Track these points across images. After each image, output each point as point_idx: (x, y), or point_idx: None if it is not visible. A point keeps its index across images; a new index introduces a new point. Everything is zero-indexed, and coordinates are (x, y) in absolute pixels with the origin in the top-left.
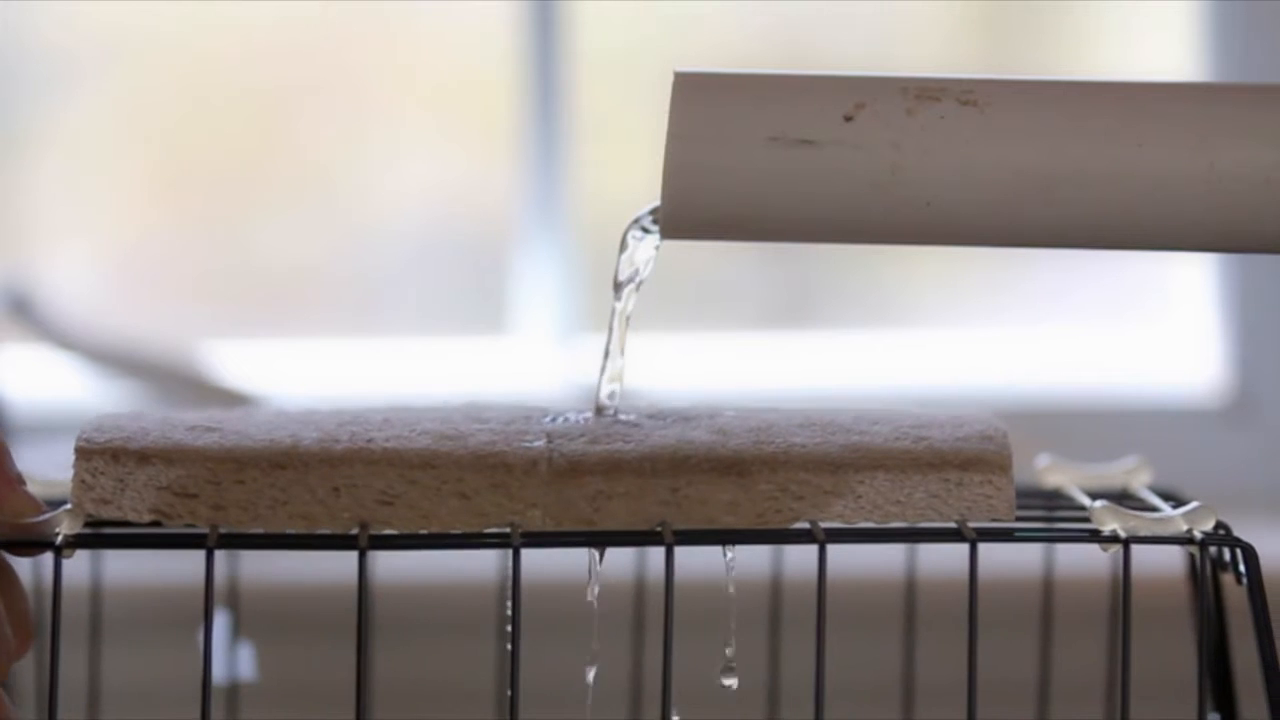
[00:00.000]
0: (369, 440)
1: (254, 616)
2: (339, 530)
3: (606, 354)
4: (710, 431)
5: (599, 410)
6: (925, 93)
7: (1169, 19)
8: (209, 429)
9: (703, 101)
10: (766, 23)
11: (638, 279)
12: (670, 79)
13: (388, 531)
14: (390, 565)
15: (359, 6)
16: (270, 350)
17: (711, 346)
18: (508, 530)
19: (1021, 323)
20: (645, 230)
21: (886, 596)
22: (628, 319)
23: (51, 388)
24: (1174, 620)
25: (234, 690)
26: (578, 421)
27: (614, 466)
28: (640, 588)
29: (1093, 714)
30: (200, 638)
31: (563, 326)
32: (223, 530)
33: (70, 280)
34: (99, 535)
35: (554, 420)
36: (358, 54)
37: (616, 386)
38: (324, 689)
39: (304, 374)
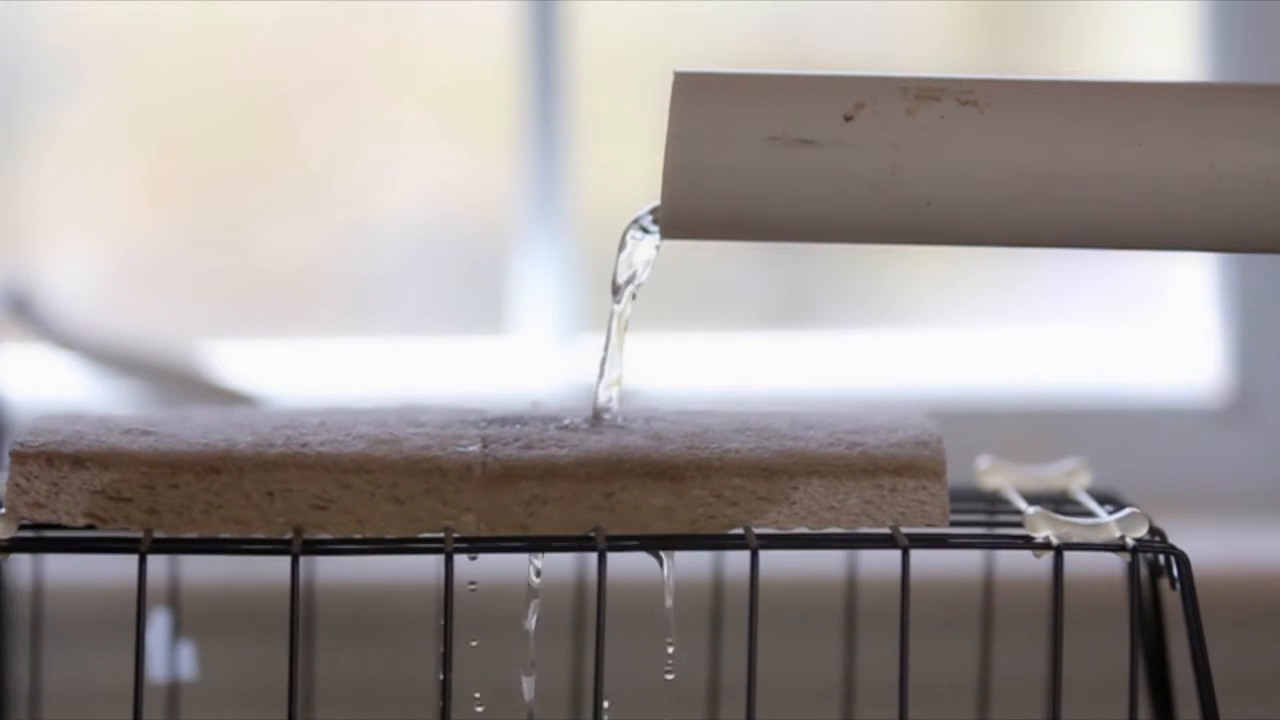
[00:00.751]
0: (303, 444)
1: (195, 616)
2: (273, 535)
3: (604, 360)
4: (645, 436)
5: (596, 416)
6: (925, 93)
7: (1169, 19)
8: (145, 432)
9: (703, 101)
10: (766, 23)
11: (637, 280)
12: (670, 79)
13: (322, 536)
14: (332, 565)
15: (359, 7)
16: (270, 350)
17: (711, 346)
18: (441, 535)
19: (1021, 323)
20: (645, 230)
21: (827, 598)
22: (626, 323)
23: (51, 388)
24: (1116, 622)
25: (174, 690)
26: (516, 424)
27: (548, 471)
28: (580, 591)
29: (1033, 715)
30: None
31: (563, 326)
32: (157, 534)
33: (70, 280)
34: (31, 540)
35: (491, 423)
36: (357, 54)
37: (615, 391)
38: (266, 689)
39: (304, 374)
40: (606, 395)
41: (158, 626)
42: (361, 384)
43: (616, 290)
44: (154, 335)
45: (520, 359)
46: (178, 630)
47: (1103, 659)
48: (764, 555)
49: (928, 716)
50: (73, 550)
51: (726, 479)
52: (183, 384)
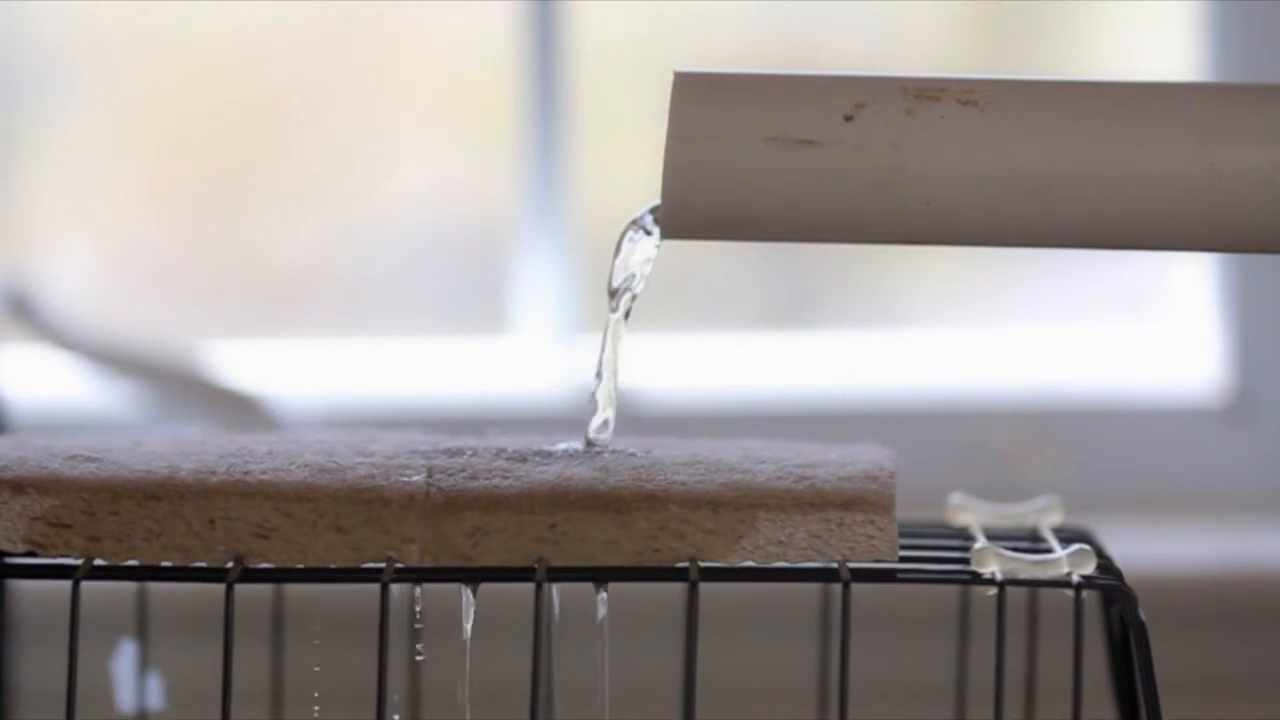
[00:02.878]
0: (246, 472)
1: (164, 644)
2: (215, 563)
3: (599, 375)
4: (592, 468)
5: (589, 444)
6: (925, 93)
7: (1169, 19)
8: (89, 458)
9: (703, 101)
10: (766, 23)
11: (635, 285)
12: (670, 79)
13: (264, 565)
14: (302, 590)
15: (359, 7)
16: (270, 350)
17: (711, 346)
18: (382, 565)
19: (1021, 323)
20: (646, 231)
21: (804, 600)
22: (621, 334)
23: (51, 388)
24: (1092, 637)
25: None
26: (463, 455)
27: (492, 502)
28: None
29: None
30: (111, 665)
31: (562, 326)
32: (97, 562)
33: (70, 280)
34: None
35: (440, 453)
36: (357, 54)
37: (610, 415)
38: (239, 697)
39: (304, 374)
40: (599, 421)
41: (125, 657)
42: (361, 384)
43: (613, 294)
44: (154, 335)
45: (520, 359)
46: (145, 660)
47: (1086, 671)
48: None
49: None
50: (9, 576)
51: (672, 512)
52: (182, 384)
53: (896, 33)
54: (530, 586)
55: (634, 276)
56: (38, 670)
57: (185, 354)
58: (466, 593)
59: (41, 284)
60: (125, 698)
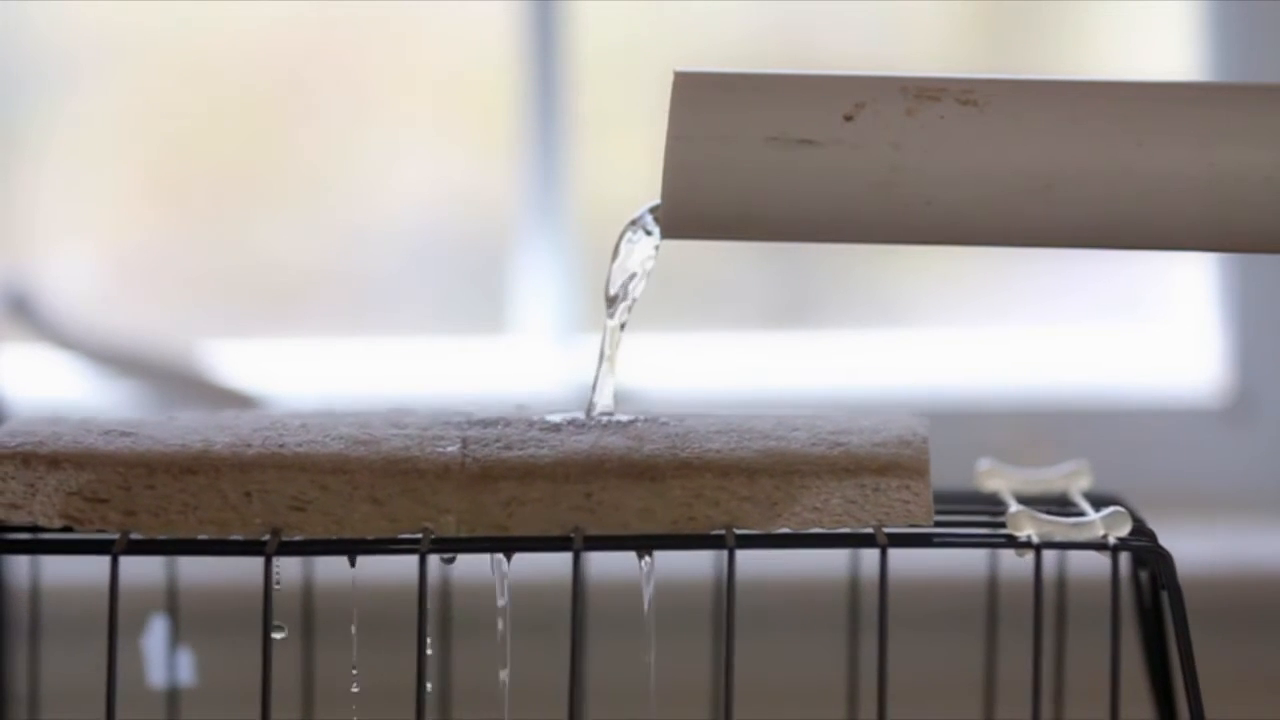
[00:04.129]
0: (281, 445)
1: (194, 619)
2: (251, 536)
3: (597, 380)
4: (626, 437)
5: (584, 420)
6: (925, 93)
7: (1169, 19)
8: (124, 434)
9: (703, 101)
10: (766, 23)
11: (635, 286)
12: (670, 79)
13: (299, 537)
14: (331, 564)
15: (359, 7)
16: (270, 350)
17: (711, 346)
18: (419, 536)
19: (1021, 323)
20: (647, 231)
21: (830, 597)
22: (619, 339)
23: (51, 388)
24: (1121, 623)
25: (174, 696)
26: (497, 426)
27: (528, 472)
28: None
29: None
30: (141, 642)
31: (563, 326)
32: (133, 536)
33: (70, 280)
34: (5, 542)
35: (474, 425)
36: (357, 54)
37: (608, 406)
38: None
39: (304, 374)
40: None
41: (156, 632)
42: (361, 384)
43: (611, 302)
44: (154, 335)
45: (520, 359)
46: (176, 635)
47: (1103, 657)
48: (767, 555)
49: (933, 715)
50: (46, 552)
51: (707, 479)
52: (182, 384)
53: (896, 33)
54: (554, 564)
55: (633, 276)
56: (48, 668)
57: (185, 354)
58: (500, 562)
59: (41, 284)
60: (156, 673)
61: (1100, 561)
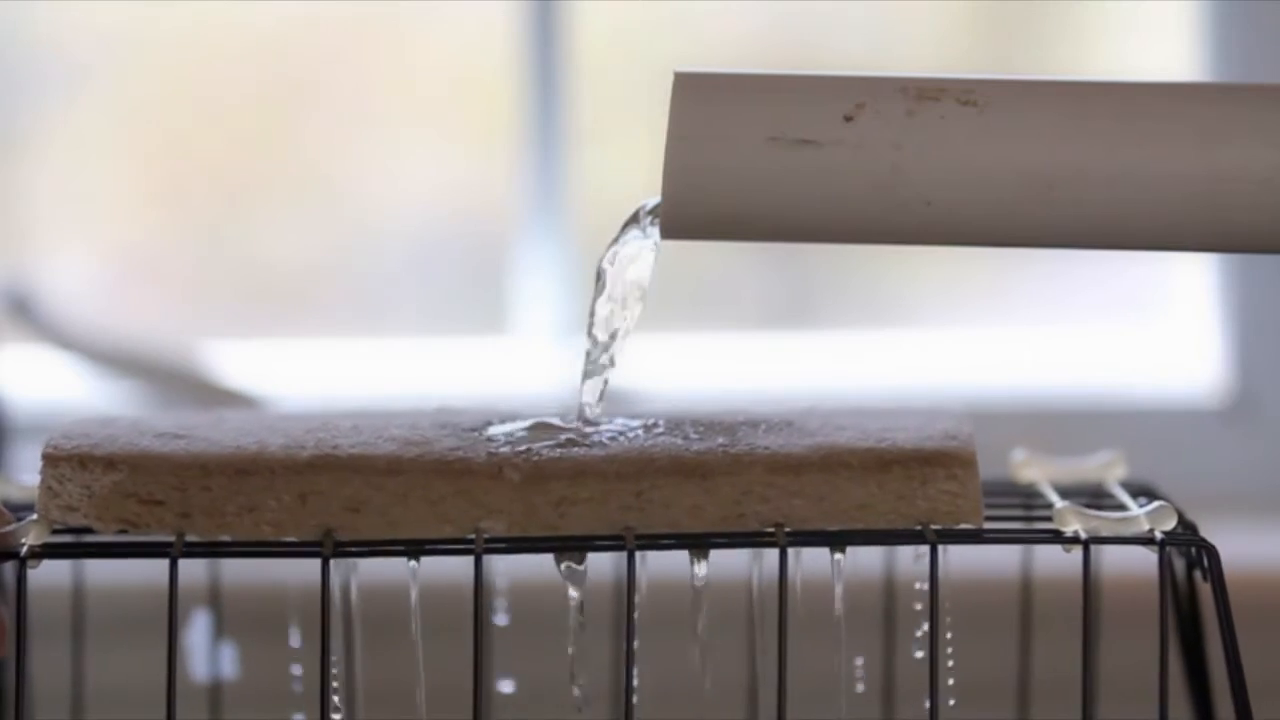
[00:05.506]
0: (335, 447)
1: (236, 616)
2: (306, 537)
3: (585, 371)
4: (675, 435)
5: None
6: (925, 93)
7: (1169, 19)
8: (177, 435)
9: (703, 101)
10: (766, 23)
11: (628, 274)
12: (670, 79)
13: (354, 538)
14: (373, 568)
15: (359, 7)
16: (270, 350)
17: (711, 346)
18: (473, 536)
19: (1022, 323)
20: (644, 233)
21: (867, 598)
22: (617, 332)
23: (51, 388)
24: (1157, 623)
25: (216, 690)
26: (546, 425)
27: (579, 472)
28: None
29: (1072, 712)
30: (183, 639)
31: (563, 326)
32: (189, 538)
33: (70, 280)
34: (63, 545)
35: (518, 426)
36: (358, 54)
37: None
38: (306, 689)
39: (304, 374)
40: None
41: (198, 626)
42: (361, 384)
43: (599, 276)
44: (154, 335)
45: (520, 359)
46: (219, 630)
47: (1145, 659)
48: (804, 554)
49: (967, 715)
50: (105, 555)
51: (757, 476)
52: (182, 384)
53: (896, 33)
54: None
55: (639, 284)
56: (91, 669)
57: (185, 354)
58: (563, 565)
59: (41, 284)
60: (199, 666)
61: (1125, 559)
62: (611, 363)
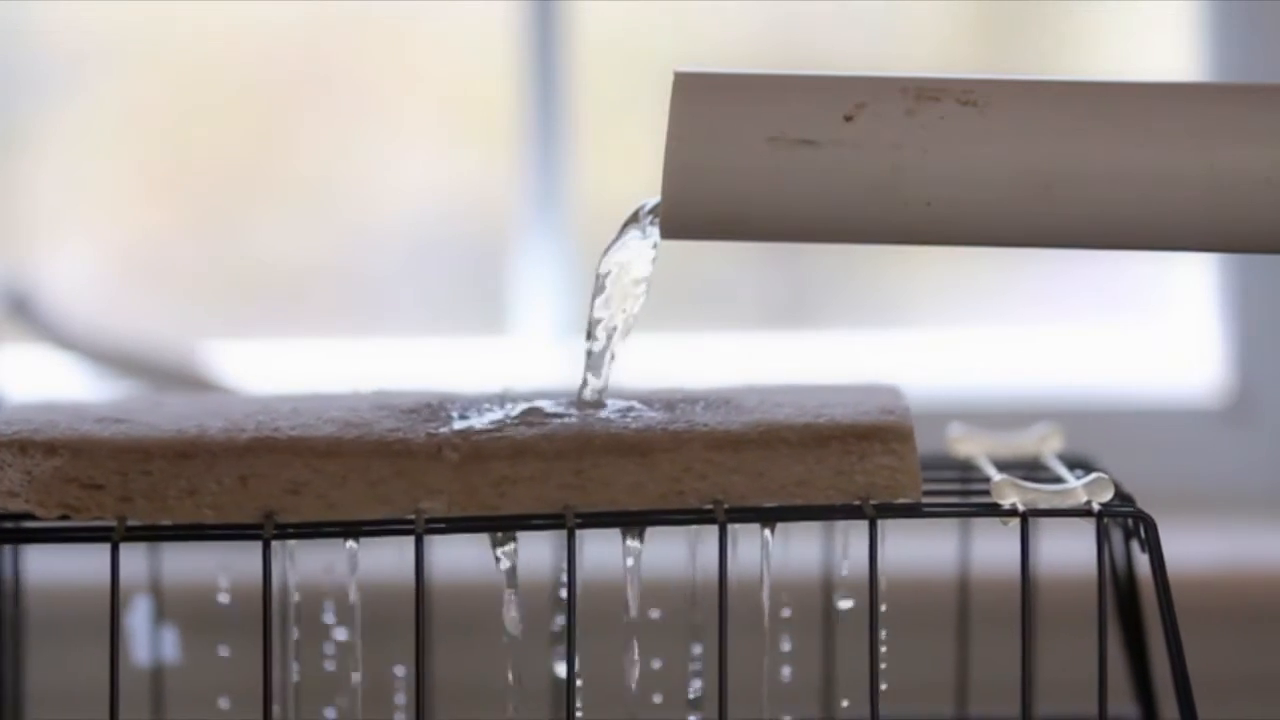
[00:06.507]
0: (275, 429)
1: (177, 603)
2: (247, 520)
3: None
4: (615, 414)
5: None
6: (925, 93)
7: (1169, 19)
8: (118, 420)
9: (703, 101)
10: (766, 23)
11: (628, 277)
12: (670, 79)
13: (294, 520)
14: (325, 558)
15: (359, 7)
16: (270, 350)
17: (711, 346)
18: (412, 517)
19: (1021, 323)
20: (644, 233)
21: (804, 593)
22: (613, 335)
23: (51, 388)
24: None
25: (159, 676)
26: (486, 407)
27: (518, 451)
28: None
29: (1013, 707)
30: (125, 625)
31: (562, 326)
32: (130, 522)
33: (70, 280)
34: (7, 531)
35: (463, 408)
36: (357, 54)
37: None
38: (249, 680)
39: (303, 373)
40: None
41: (139, 612)
42: (361, 384)
43: (598, 282)
44: (154, 335)
45: (520, 359)
46: (160, 615)
47: (1085, 647)
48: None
49: (907, 708)
50: (48, 540)
51: (696, 453)
52: (182, 384)
53: (896, 33)
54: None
55: (616, 256)
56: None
57: (185, 354)
58: (497, 551)
59: (41, 284)
60: (140, 651)
61: (1069, 550)
62: (611, 361)
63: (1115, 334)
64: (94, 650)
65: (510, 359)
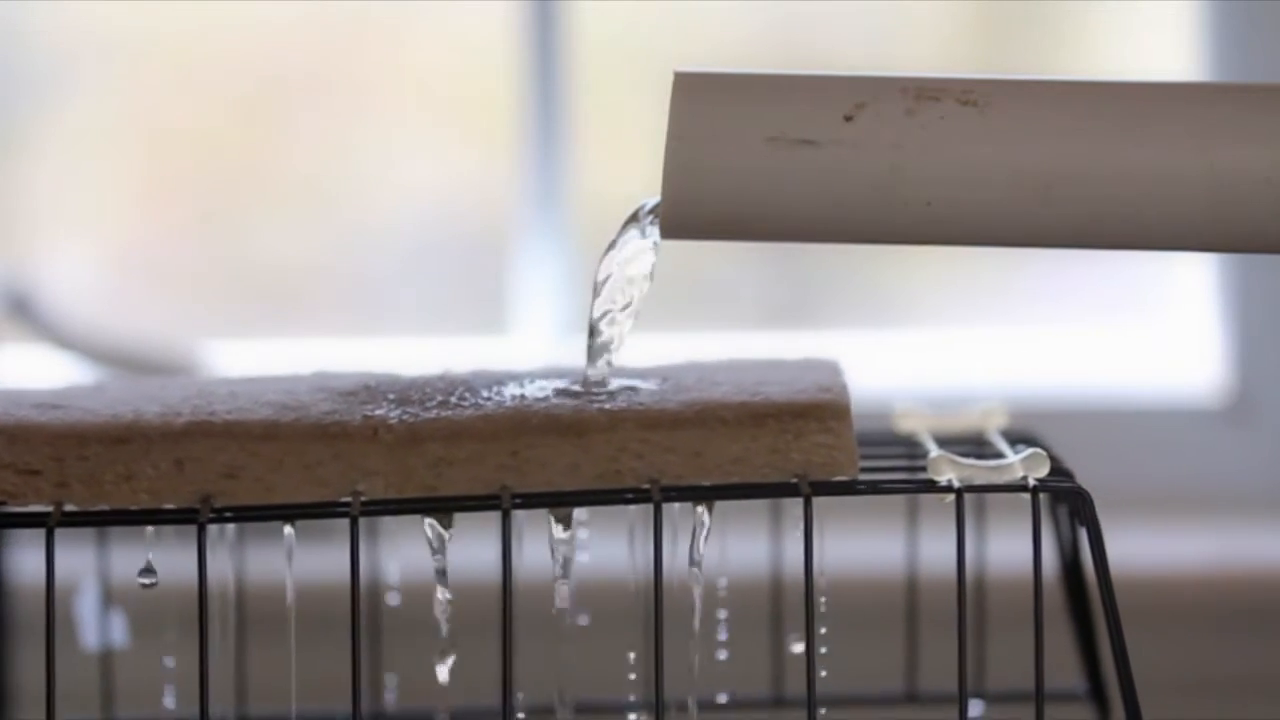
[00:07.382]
0: (211, 413)
1: (126, 590)
2: (183, 504)
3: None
4: (551, 394)
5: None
6: (925, 93)
7: (1169, 19)
8: (54, 405)
9: (703, 101)
10: (766, 23)
11: (631, 278)
12: (670, 79)
13: (231, 504)
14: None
15: (359, 7)
16: (269, 350)
17: (711, 346)
18: (349, 500)
19: (1021, 323)
20: (644, 233)
21: (752, 590)
22: (614, 327)
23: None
24: (1054, 612)
25: (107, 659)
26: (424, 388)
27: (454, 432)
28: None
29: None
30: (74, 611)
31: (562, 326)
32: (67, 508)
33: (70, 279)
34: None
35: (400, 387)
36: (357, 54)
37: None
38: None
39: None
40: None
41: (88, 597)
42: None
43: (592, 332)
44: (153, 335)
45: (520, 359)
46: (108, 600)
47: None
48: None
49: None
50: None
51: (631, 433)
52: None
53: (896, 33)
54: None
55: (633, 280)
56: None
57: (184, 353)
58: (431, 525)
59: (41, 283)
60: (89, 636)
61: (1019, 544)
62: (610, 360)
63: (1115, 334)
64: (61, 641)
65: (510, 359)
